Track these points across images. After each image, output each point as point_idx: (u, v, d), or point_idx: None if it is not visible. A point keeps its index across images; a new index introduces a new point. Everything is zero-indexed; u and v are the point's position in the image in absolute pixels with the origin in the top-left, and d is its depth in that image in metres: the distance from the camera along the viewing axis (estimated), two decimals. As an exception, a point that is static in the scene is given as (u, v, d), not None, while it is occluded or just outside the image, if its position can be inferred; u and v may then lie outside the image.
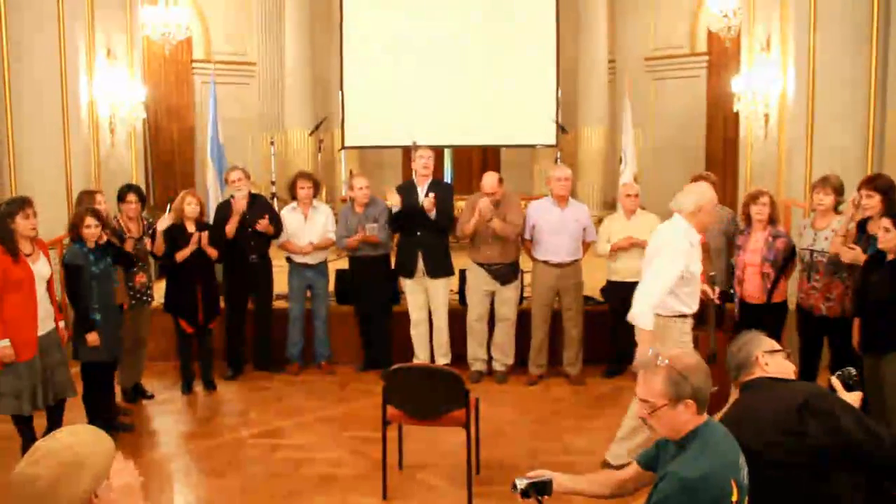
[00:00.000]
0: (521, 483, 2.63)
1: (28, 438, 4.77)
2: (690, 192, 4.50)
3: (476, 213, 6.23)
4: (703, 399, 2.44)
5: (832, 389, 2.90)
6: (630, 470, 2.81)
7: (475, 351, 6.60)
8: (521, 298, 6.93)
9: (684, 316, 4.49)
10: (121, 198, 6.02)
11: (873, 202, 4.94)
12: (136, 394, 6.16)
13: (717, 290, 4.71)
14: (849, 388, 2.92)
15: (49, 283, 5.02)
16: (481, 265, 6.44)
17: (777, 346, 2.96)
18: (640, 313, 4.32)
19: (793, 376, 2.91)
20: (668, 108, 11.66)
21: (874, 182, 5.04)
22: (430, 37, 11.07)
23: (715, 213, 4.51)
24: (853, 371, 2.99)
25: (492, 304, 6.55)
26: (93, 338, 5.14)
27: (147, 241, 6.08)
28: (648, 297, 4.31)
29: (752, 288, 5.57)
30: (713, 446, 2.42)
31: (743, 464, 2.45)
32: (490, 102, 10.99)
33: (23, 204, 4.85)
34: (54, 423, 4.91)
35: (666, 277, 4.32)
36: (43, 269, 4.93)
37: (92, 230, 5.14)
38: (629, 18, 11.88)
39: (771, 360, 2.90)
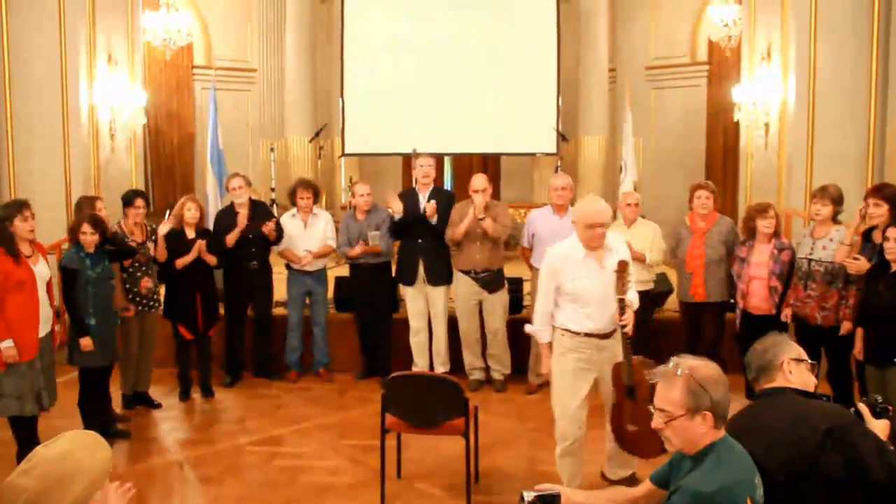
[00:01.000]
0: (529, 496, 2.52)
1: (25, 442, 4.76)
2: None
3: (470, 211, 6.22)
4: (721, 413, 2.39)
5: (858, 415, 2.76)
6: (642, 487, 2.76)
7: (472, 361, 6.58)
8: (521, 306, 6.93)
9: (573, 332, 4.25)
10: (128, 202, 5.99)
11: (881, 211, 4.93)
12: (143, 403, 6.14)
13: (628, 314, 4.06)
14: (876, 415, 2.78)
15: (48, 285, 5.03)
16: (467, 273, 6.40)
17: (804, 356, 2.84)
18: (532, 330, 4.48)
19: (812, 389, 2.79)
20: (669, 117, 11.67)
21: (882, 191, 5.03)
22: (430, 45, 11.07)
23: (588, 229, 4.11)
24: (879, 398, 2.86)
25: (482, 312, 6.53)
26: (86, 342, 5.13)
27: (151, 246, 6.07)
28: (534, 311, 4.46)
29: (757, 300, 5.55)
30: (729, 462, 2.37)
31: (759, 483, 2.39)
32: (490, 110, 10.99)
33: (20, 206, 4.88)
34: (31, 430, 4.90)
35: (539, 290, 4.41)
36: (42, 270, 4.96)
37: (88, 237, 5.14)
38: (630, 27, 11.90)
39: (795, 369, 2.78)
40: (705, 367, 2.44)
